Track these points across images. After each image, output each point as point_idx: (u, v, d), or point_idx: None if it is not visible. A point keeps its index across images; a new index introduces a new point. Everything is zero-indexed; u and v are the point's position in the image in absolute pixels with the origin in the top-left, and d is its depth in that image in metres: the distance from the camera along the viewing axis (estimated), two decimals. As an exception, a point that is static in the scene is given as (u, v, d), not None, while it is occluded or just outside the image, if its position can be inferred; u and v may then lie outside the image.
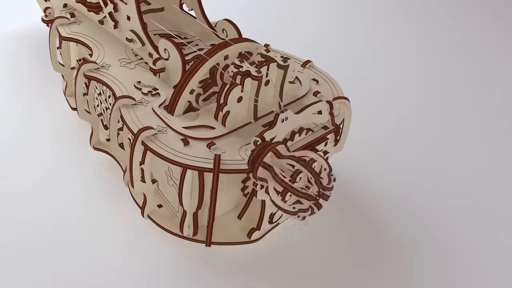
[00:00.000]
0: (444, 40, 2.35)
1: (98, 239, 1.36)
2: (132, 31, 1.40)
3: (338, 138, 1.38)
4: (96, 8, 1.45)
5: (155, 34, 1.51)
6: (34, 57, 1.93)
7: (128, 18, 1.39)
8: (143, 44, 1.38)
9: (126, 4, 1.38)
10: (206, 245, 1.31)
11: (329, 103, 1.32)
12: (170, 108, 1.29)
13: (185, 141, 1.22)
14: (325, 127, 1.32)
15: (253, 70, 1.23)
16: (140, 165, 1.26)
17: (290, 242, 1.39)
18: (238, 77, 1.24)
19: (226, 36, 1.45)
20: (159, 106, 1.30)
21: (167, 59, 1.35)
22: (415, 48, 2.28)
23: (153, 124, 1.26)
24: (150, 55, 1.38)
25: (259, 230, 1.34)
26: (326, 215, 1.45)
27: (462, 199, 1.57)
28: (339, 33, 2.32)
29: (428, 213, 1.50)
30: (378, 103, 1.91)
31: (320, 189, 1.12)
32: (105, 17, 1.44)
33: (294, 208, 1.14)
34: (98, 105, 1.48)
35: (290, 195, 1.13)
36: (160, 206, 1.38)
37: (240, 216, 1.38)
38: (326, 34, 2.28)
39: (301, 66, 1.50)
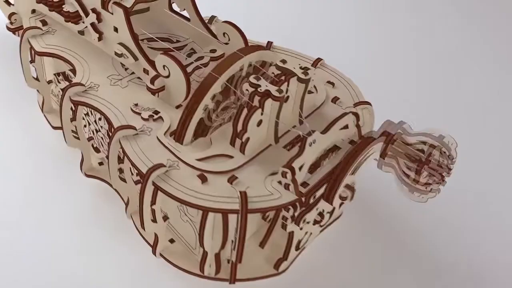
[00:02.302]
0: (463, 39, 2.13)
1: (103, 282, 1.21)
2: (122, 44, 1.20)
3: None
4: (75, 18, 1.25)
5: (142, 40, 1.32)
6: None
7: (116, 29, 1.20)
8: (136, 59, 1.20)
9: (112, 14, 1.19)
10: (230, 283, 1.18)
11: (355, 114, 1.17)
12: (178, 136, 1.13)
13: (203, 177, 1.06)
14: (352, 142, 1.18)
15: (273, 90, 1.07)
16: (151, 206, 1.11)
17: (319, 264, 1.27)
18: (256, 98, 1.08)
19: (229, 40, 1.27)
20: (165, 133, 1.14)
21: (167, 77, 1.17)
22: (428, 43, 2.08)
23: (161, 158, 1.09)
24: (146, 71, 1.20)
25: (286, 260, 1.21)
26: (352, 230, 1.33)
27: (496, 206, 1.46)
28: (341, 27, 2.10)
29: (461, 221, 1.40)
30: (393, 103, 1.71)
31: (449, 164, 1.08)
32: (86, 27, 1.25)
33: (426, 187, 1.10)
34: (85, 126, 1.30)
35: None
36: (172, 240, 1.23)
37: (262, 245, 1.24)
38: (328, 28, 2.06)
39: (312, 65, 1.35)
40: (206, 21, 1.36)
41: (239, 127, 1.09)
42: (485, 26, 2.16)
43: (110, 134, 1.23)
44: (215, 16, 1.44)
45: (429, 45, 2.03)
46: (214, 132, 1.16)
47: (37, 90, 1.46)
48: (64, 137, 1.28)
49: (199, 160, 1.10)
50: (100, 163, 1.36)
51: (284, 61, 1.14)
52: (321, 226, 1.22)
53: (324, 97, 1.26)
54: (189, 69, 1.22)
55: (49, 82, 1.42)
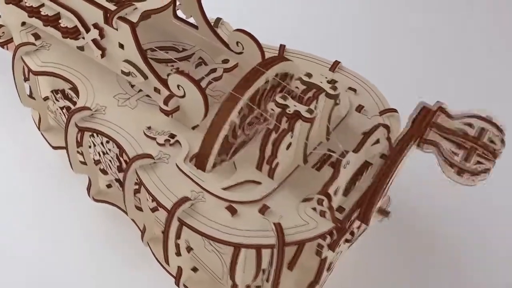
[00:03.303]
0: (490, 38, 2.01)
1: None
2: (128, 61, 1.10)
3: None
4: (74, 34, 1.14)
5: (146, 50, 1.21)
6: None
7: (121, 46, 1.10)
8: (145, 78, 1.10)
9: (116, 30, 1.08)
10: (261, 312, 1.11)
11: (386, 127, 1.10)
12: (200, 163, 1.04)
13: (232, 209, 0.98)
14: (383, 156, 1.11)
15: (303, 110, 0.99)
16: (175, 241, 1.02)
17: (348, 283, 1.21)
18: (284, 119, 0.99)
19: (243, 49, 1.17)
20: (184, 160, 1.05)
21: (182, 97, 1.07)
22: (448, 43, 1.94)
23: (184, 189, 1.01)
24: (157, 90, 1.10)
25: (318, 283, 1.14)
26: (381, 241, 1.27)
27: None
28: (341, 25, 1.96)
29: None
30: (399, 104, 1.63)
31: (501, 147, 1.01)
32: (87, 43, 1.14)
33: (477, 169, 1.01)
34: (90, 147, 1.20)
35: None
36: (195, 269, 1.15)
37: (291, 267, 1.17)
38: (338, 29, 1.93)
39: (329, 70, 1.26)
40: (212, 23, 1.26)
41: (268, 153, 1.01)
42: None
43: (121, 159, 1.14)
44: (221, 19, 1.34)
45: (431, 42, 1.93)
46: (237, 154, 1.08)
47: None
48: (70, 164, 1.18)
49: (225, 189, 1.01)
50: (108, 185, 1.27)
51: (309, 75, 1.05)
52: (351, 243, 1.16)
53: (348, 106, 1.18)
54: (203, 84, 1.13)
55: (45, 99, 1.31)
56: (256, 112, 1.08)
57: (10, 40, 1.32)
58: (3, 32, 1.31)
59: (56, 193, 1.32)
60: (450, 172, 1.04)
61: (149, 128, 1.09)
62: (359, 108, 1.18)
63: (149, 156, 1.04)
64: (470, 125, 1.04)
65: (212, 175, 1.04)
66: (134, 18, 1.07)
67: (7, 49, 1.34)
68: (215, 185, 1.01)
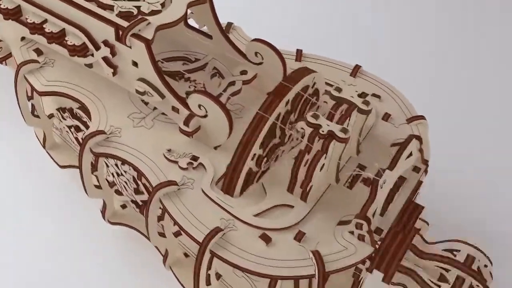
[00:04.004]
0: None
1: None
2: (143, 80, 1.03)
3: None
4: (82, 51, 1.06)
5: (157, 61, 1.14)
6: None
7: (135, 64, 1.02)
8: (162, 97, 1.03)
9: (130, 48, 1.00)
10: None
11: (418, 138, 1.05)
12: (227, 188, 0.98)
13: (266, 238, 0.93)
14: (415, 168, 1.06)
15: (337, 130, 0.93)
16: (206, 272, 0.97)
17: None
18: (317, 140, 0.94)
19: (262, 60, 1.10)
20: (210, 184, 0.99)
21: (204, 117, 1.01)
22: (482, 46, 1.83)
23: (214, 218, 0.95)
24: (175, 109, 1.04)
25: (352, 302, 1.10)
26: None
27: None
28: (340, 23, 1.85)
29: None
30: (450, 116, 1.55)
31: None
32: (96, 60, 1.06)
33: None
34: (103, 166, 1.13)
35: None
36: (223, 293, 1.11)
37: (321, 286, 1.13)
38: (338, 27, 1.81)
39: (350, 75, 1.20)
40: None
41: (301, 176, 0.95)
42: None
43: (139, 182, 1.08)
44: (232, 23, 1.27)
45: (436, 40, 1.83)
46: (264, 176, 1.02)
47: (36, 125, 1.28)
48: (84, 189, 1.11)
49: (256, 215, 0.96)
50: (123, 206, 1.21)
51: (339, 89, 0.99)
52: None
53: (374, 115, 1.12)
54: (222, 99, 1.06)
55: (50, 116, 1.23)
56: (278, 134, 1.03)
57: (9, 55, 1.24)
58: (0, 47, 1.22)
59: (69, 216, 1.26)
60: None
61: (169, 150, 1.03)
62: (386, 117, 1.12)
63: (173, 183, 0.97)
64: (453, 251, 0.98)
65: (240, 200, 0.98)
66: (148, 34, 0.99)
67: (6, 64, 1.25)
68: (245, 211, 0.96)
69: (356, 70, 1.20)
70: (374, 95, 1.16)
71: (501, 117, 1.57)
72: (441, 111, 1.50)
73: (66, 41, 1.06)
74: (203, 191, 0.98)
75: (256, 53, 1.10)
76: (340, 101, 0.99)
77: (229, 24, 1.26)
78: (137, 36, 0.99)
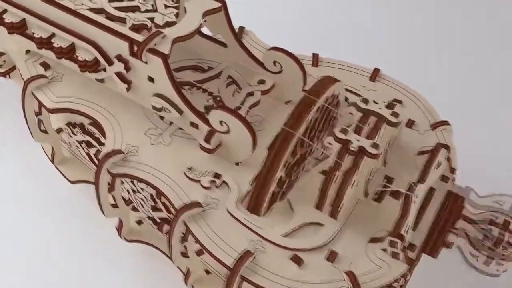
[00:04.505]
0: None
1: None
2: (160, 95, 0.98)
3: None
4: (93, 66, 1.01)
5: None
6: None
7: (151, 79, 0.98)
8: (180, 112, 0.98)
9: (146, 63, 0.96)
10: None
11: (446, 147, 1.02)
12: (254, 207, 0.94)
13: (297, 260, 0.89)
14: (444, 178, 1.03)
15: (367, 145, 0.89)
16: (235, 295, 0.94)
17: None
18: (347, 155, 0.90)
19: (281, 69, 1.06)
20: (236, 204, 0.95)
21: (225, 133, 0.97)
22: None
23: (241, 240, 0.91)
24: (194, 125, 0.99)
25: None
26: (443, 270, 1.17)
27: None
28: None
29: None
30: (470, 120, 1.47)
31: None
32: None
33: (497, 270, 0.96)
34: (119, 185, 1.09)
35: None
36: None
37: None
38: (338, 24, 1.72)
39: (370, 79, 1.16)
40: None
41: (332, 194, 0.92)
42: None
43: (158, 200, 1.04)
44: (244, 27, 1.22)
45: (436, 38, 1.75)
46: (290, 192, 0.98)
47: (43, 140, 1.23)
48: (101, 210, 1.07)
49: (285, 235, 0.92)
50: (138, 221, 1.17)
51: (366, 101, 0.96)
52: None
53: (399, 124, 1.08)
54: (242, 112, 1.02)
55: (59, 131, 1.18)
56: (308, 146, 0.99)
57: (12, 68, 1.18)
58: (4, 61, 1.16)
59: (82, 234, 1.22)
60: (476, 261, 0.98)
61: (190, 168, 0.99)
62: (410, 123, 1.09)
63: (197, 204, 0.93)
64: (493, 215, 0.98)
65: (268, 219, 0.95)
66: (165, 48, 0.94)
67: (9, 77, 1.20)
68: (274, 231, 0.92)
69: (375, 74, 1.16)
70: (395, 100, 1.12)
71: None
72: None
73: (77, 56, 1.01)
74: (228, 211, 0.94)
75: (274, 62, 1.06)
76: (367, 113, 0.95)
77: (241, 29, 1.21)
78: (153, 51, 0.94)
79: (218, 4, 1.03)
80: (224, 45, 1.11)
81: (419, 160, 1.03)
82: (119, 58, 0.98)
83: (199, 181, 0.97)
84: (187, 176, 0.98)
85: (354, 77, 1.16)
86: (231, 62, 1.13)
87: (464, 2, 1.78)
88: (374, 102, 0.98)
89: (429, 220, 0.97)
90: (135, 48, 0.95)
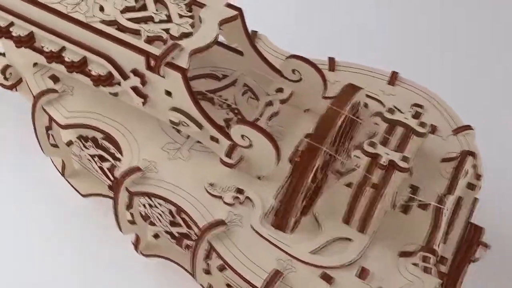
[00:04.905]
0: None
1: None
2: (178, 110, 0.95)
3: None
4: (107, 80, 0.97)
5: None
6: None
7: (169, 93, 0.94)
8: (200, 127, 0.95)
9: (163, 77, 0.92)
10: None
11: (472, 154, 0.99)
12: (279, 222, 0.91)
13: (327, 278, 0.87)
14: (470, 185, 1.01)
15: (397, 158, 0.87)
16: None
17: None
18: (377, 169, 0.87)
19: (301, 76, 1.03)
20: (261, 221, 0.92)
21: (248, 147, 0.94)
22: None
23: (269, 258, 0.89)
24: (214, 139, 0.96)
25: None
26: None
27: None
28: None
29: None
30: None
31: None
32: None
33: None
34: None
35: None
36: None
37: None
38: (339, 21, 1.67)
39: (388, 83, 1.13)
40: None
41: (360, 208, 0.89)
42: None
43: (177, 216, 1.01)
44: (256, 32, 1.18)
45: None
46: (315, 206, 0.96)
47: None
48: (119, 228, 1.04)
49: (313, 252, 0.90)
50: (156, 236, 1.14)
51: (391, 111, 0.93)
52: None
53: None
54: (262, 123, 0.99)
55: (69, 144, 1.15)
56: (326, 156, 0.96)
57: (19, 81, 1.14)
58: (10, 73, 1.12)
59: (96, 250, 1.19)
60: None
61: (211, 184, 0.96)
62: (432, 129, 1.06)
63: (221, 223, 0.91)
64: None
65: (294, 235, 0.92)
66: (183, 62, 0.91)
67: (16, 90, 1.16)
68: (302, 248, 0.90)
69: (394, 78, 1.13)
70: (416, 105, 1.10)
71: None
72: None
73: (90, 70, 0.97)
74: (254, 229, 0.91)
75: (293, 71, 1.03)
76: (394, 123, 0.93)
77: (254, 33, 1.17)
78: (171, 65, 0.90)
79: (235, 12, 0.99)
80: (240, 53, 1.07)
81: (444, 167, 1.01)
82: (135, 72, 0.94)
83: (221, 197, 0.94)
84: (208, 193, 0.95)
85: (372, 81, 1.13)
86: (246, 69, 1.09)
87: (468, 3, 1.73)
88: (399, 111, 0.95)
89: (458, 230, 0.95)
90: (152, 62, 0.92)
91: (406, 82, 1.14)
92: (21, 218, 1.22)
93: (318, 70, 1.01)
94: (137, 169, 0.96)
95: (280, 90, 1.05)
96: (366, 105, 1.08)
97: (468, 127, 1.07)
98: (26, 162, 1.27)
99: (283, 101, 1.04)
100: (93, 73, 0.96)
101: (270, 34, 1.20)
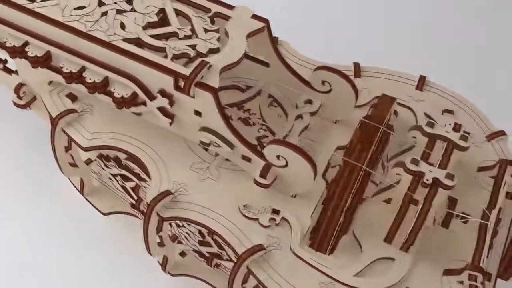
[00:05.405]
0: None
1: None
2: (208, 129, 0.91)
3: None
4: (132, 102, 0.93)
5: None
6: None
7: (198, 113, 0.90)
8: (232, 147, 0.91)
9: (193, 98, 0.88)
10: None
11: (509, 163, 0.96)
12: (320, 244, 0.88)
13: (373, 301, 0.85)
14: (508, 195, 0.98)
15: (442, 176, 0.84)
16: None
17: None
18: (421, 188, 0.84)
19: (330, 87, 0.99)
20: (300, 244, 0.89)
21: (283, 167, 0.90)
22: None
23: (311, 283, 0.86)
24: (246, 158, 0.93)
25: None
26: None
27: None
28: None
29: None
30: None
31: None
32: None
33: None
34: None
35: None
36: None
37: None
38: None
39: (416, 88, 1.10)
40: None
41: (404, 228, 0.86)
42: None
43: (206, 235, 0.97)
44: (277, 38, 1.14)
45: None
46: (353, 224, 0.93)
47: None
48: (148, 251, 1.00)
49: (357, 275, 0.87)
50: (181, 253, 1.10)
51: (431, 124, 0.90)
52: None
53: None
54: (293, 139, 0.95)
55: (88, 162, 1.10)
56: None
57: (33, 99, 1.09)
58: (24, 92, 1.07)
59: (119, 271, 1.15)
60: None
61: (245, 206, 0.92)
62: (465, 136, 1.03)
63: (261, 248, 0.87)
64: None
65: (335, 257, 0.89)
66: (213, 81, 0.87)
67: (30, 108, 1.11)
68: (344, 271, 0.87)
69: (422, 83, 1.10)
70: (446, 110, 1.07)
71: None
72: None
73: (112, 92, 0.93)
74: (293, 252, 0.88)
75: (323, 82, 0.99)
76: (433, 137, 0.89)
77: (275, 40, 1.13)
78: (202, 85, 0.86)
79: (262, 24, 0.95)
80: (265, 64, 1.03)
81: (481, 176, 0.98)
82: (163, 93, 0.90)
83: (257, 220, 0.91)
84: (243, 215, 0.92)
85: (399, 86, 1.10)
86: (271, 80, 1.05)
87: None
88: (432, 119, 0.93)
89: (501, 242, 0.93)
90: (181, 83, 0.87)
91: (435, 86, 1.10)
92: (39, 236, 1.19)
93: (349, 81, 0.97)
94: (168, 193, 0.92)
95: (309, 101, 1.01)
96: (396, 113, 1.05)
97: (501, 133, 1.04)
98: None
99: (312, 113, 1.00)
100: (115, 94, 0.92)
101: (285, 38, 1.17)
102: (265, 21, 0.95)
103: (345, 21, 1.58)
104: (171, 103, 0.90)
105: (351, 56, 1.15)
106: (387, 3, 1.65)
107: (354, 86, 0.98)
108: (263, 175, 0.91)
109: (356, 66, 1.11)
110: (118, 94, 0.92)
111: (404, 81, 1.11)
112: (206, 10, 0.96)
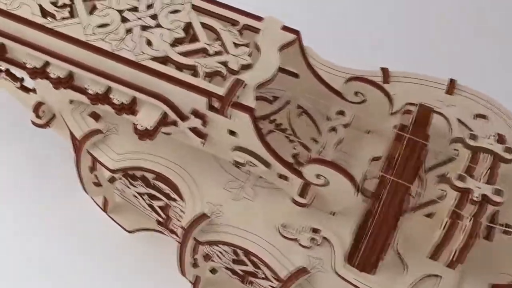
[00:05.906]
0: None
1: None
2: (242, 149, 0.88)
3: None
4: (160, 124, 0.88)
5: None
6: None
7: (233, 133, 0.87)
8: (268, 166, 0.88)
9: (229, 118, 0.84)
10: None
11: (553, 171, 0.94)
12: (364, 264, 0.86)
13: (427, 323, 0.83)
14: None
15: (489, 192, 0.81)
16: None
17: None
18: (469, 206, 0.82)
19: (364, 98, 0.96)
20: (344, 264, 0.87)
21: (323, 185, 0.87)
22: None
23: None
24: (283, 177, 0.89)
25: None
26: None
27: None
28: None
29: None
30: None
31: None
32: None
33: None
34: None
35: None
36: None
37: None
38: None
39: (446, 92, 1.07)
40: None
41: (453, 245, 0.84)
42: None
43: (241, 255, 0.95)
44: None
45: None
46: (400, 244, 0.90)
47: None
48: (182, 273, 0.98)
49: (406, 294, 0.85)
50: (213, 271, 1.08)
51: (474, 137, 0.87)
52: None
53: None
54: (328, 155, 0.92)
55: (112, 180, 1.07)
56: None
57: (53, 118, 1.05)
58: (43, 111, 1.03)
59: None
60: None
61: (284, 226, 0.90)
62: (501, 141, 1.00)
63: (304, 271, 0.85)
64: None
65: (379, 277, 0.87)
66: (249, 101, 0.83)
67: (49, 127, 1.07)
68: (393, 292, 0.85)
69: (452, 87, 1.07)
70: (479, 115, 1.04)
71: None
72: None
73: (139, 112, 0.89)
74: (337, 273, 0.86)
75: (356, 93, 0.96)
76: (476, 150, 0.87)
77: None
78: (238, 105, 0.83)
79: (293, 36, 0.91)
80: (294, 75, 0.99)
81: None
82: (195, 113, 0.86)
83: (297, 240, 0.89)
84: (282, 235, 0.89)
85: (429, 91, 1.06)
86: (299, 91, 1.02)
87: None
88: (468, 128, 0.90)
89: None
90: (215, 103, 0.84)
91: (464, 89, 1.07)
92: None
93: (384, 91, 0.94)
94: (205, 217, 0.89)
95: (341, 112, 0.98)
96: (429, 121, 1.02)
97: (537, 137, 1.02)
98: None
99: (346, 125, 0.98)
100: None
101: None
102: (296, 32, 0.92)
103: (365, 24, 1.53)
104: (205, 123, 0.87)
105: (371, 60, 1.12)
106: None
107: (389, 96, 0.95)
108: (302, 194, 0.88)
109: (385, 71, 1.08)
110: (148, 115, 0.88)
111: (433, 85, 1.07)
112: (234, 22, 0.92)
